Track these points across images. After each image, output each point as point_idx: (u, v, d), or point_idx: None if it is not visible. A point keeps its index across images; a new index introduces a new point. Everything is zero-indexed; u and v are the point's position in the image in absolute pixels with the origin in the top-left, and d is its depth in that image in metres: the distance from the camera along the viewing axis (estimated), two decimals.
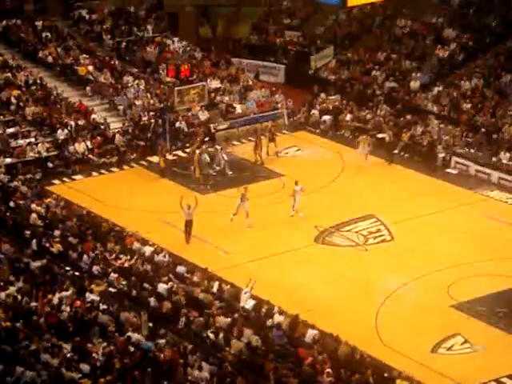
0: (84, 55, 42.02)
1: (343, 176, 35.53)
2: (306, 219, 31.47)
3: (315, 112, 40.83)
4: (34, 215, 30.47)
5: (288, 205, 32.04)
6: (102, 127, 38.34)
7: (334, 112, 40.55)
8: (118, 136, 37.64)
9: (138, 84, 40.84)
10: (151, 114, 39.13)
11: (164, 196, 33.83)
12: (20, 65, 40.86)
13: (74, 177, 35.72)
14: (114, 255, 28.17)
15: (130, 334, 23.69)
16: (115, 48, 43.65)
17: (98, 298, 25.58)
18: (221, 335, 24.15)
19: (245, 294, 26.00)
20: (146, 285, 26.45)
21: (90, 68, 41.31)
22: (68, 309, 24.64)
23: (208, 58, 44.27)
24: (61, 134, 37.15)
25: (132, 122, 38.90)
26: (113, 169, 36.57)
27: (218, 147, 36.72)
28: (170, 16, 48.20)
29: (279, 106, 41.35)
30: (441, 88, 40.81)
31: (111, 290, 26.59)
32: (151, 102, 39.98)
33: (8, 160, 35.49)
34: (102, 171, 36.32)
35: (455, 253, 29.73)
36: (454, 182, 35.04)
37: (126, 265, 27.73)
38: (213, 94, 41.03)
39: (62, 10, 45.49)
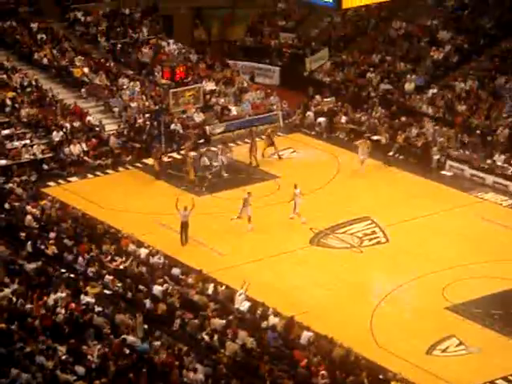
0: (79, 57, 42.01)
1: (338, 178, 35.56)
2: (300, 220, 31.45)
3: (310, 114, 40.87)
4: (29, 217, 30.46)
5: (283, 207, 32.05)
6: (97, 129, 38.33)
7: (329, 114, 40.59)
8: (112, 138, 37.64)
9: (133, 86, 40.84)
10: (146, 116, 39.13)
11: (159, 198, 33.83)
12: (15, 66, 40.84)
13: (69, 179, 35.71)
14: (109, 257, 28.17)
15: (125, 336, 23.68)
16: (110, 50, 43.65)
17: (93, 300, 25.56)
18: (216, 337, 24.16)
19: (239, 295, 26.01)
20: (141, 287, 26.45)
21: (86, 70, 41.29)
22: (63, 311, 24.62)
23: (203, 60, 44.30)
24: (56, 136, 37.13)
25: (127, 124, 38.89)
26: (108, 171, 36.56)
27: (216, 149, 36.75)
28: (164, 18, 48.22)
29: (274, 108, 41.39)
30: (436, 90, 40.87)
31: (106, 292, 26.58)
32: (146, 104, 39.99)
33: (3, 162, 35.46)
34: (97, 173, 36.31)
35: (450, 255, 29.76)
36: (449, 183, 35.09)
37: (121, 267, 27.74)
38: (208, 96, 41.04)
39: (57, 12, 45.49)
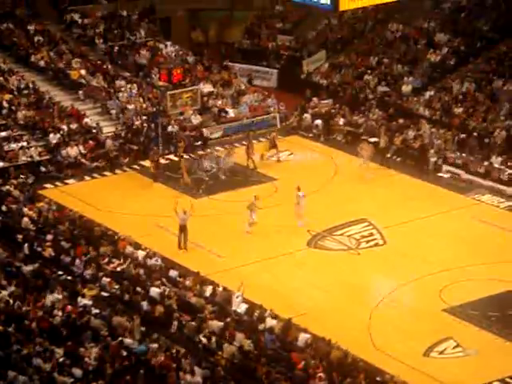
0: (76, 59, 41.99)
1: (335, 180, 35.58)
2: (297, 224, 31.45)
3: (307, 116, 40.89)
4: (26, 219, 30.44)
5: (281, 209, 32.07)
6: (95, 131, 38.32)
7: (326, 116, 40.62)
8: (108, 141, 37.60)
9: (130, 88, 40.84)
10: (144, 118, 39.14)
11: (157, 200, 33.83)
12: (12, 69, 40.82)
13: (66, 181, 35.71)
14: (106, 259, 28.16)
15: (122, 338, 23.67)
16: (108, 52, 43.65)
17: (90, 303, 25.57)
18: (213, 339, 24.15)
19: (237, 298, 26.01)
20: (138, 289, 26.44)
21: (83, 72, 41.28)
22: (60, 313, 24.61)
23: (200, 62, 44.32)
24: (53, 138, 37.12)
25: (125, 126, 38.89)
26: (105, 173, 36.55)
27: (215, 152, 36.77)
28: (162, 20, 48.23)
29: (272, 110, 41.41)
30: (433, 92, 40.91)
31: (103, 294, 26.57)
32: (144, 106, 39.99)
33: (0, 164, 35.44)
34: (95, 175, 36.31)
35: (447, 257, 29.78)
36: (446, 186, 35.11)
37: (119, 269, 27.72)
38: (205, 98, 41.05)
39: (54, 15, 45.48)
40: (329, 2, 29.54)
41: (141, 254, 28.70)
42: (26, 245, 28.84)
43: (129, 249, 28.98)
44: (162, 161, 36.88)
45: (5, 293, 25.43)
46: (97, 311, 25.17)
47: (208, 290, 26.64)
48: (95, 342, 23.58)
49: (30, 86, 39.89)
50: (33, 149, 36.54)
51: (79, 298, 25.70)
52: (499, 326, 25.96)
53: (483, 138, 37.12)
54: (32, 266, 27.32)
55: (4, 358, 22.31)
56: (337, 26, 48.08)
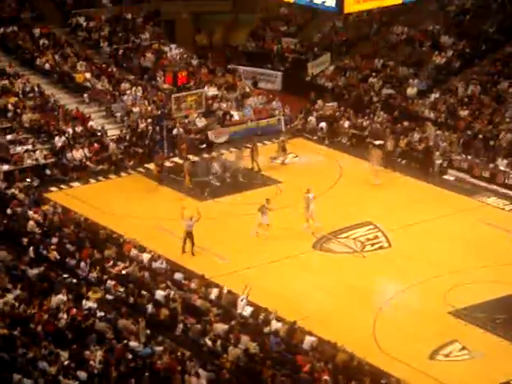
0: (81, 62, 42.05)
1: (340, 183, 35.54)
2: (302, 225, 31.40)
3: (312, 119, 40.88)
4: (31, 222, 30.44)
5: (285, 212, 32.05)
6: (100, 134, 38.35)
7: (331, 119, 40.60)
8: (111, 144, 37.57)
9: (135, 91, 40.88)
10: (149, 121, 39.15)
11: (162, 203, 33.83)
12: (17, 72, 40.86)
13: (71, 184, 35.72)
14: (111, 262, 28.15)
15: (127, 341, 23.66)
16: (113, 55, 43.69)
17: (95, 305, 25.54)
18: (218, 342, 24.13)
19: (242, 300, 25.99)
20: (143, 292, 26.42)
21: (88, 75, 41.33)
22: (65, 316, 24.60)
23: (205, 65, 44.34)
24: (58, 141, 37.16)
25: (129, 129, 38.91)
26: (110, 176, 36.57)
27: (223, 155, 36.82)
28: (166, 23, 48.28)
29: (276, 113, 41.40)
30: (438, 95, 40.88)
31: (108, 297, 26.55)
32: (148, 109, 40.01)
33: (5, 167, 35.48)
34: (100, 178, 36.32)
35: (453, 259, 29.72)
36: (452, 188, 35.06)
37: (124, 272, 27.71)
38: (210, 101, 41.07)
39: (59, 18, 45.54)
40: (334, 5, 29.47)
41: (146, 256, 28.69)
42: (31, 248, 28.83)
43: (134, 252, 28.97)
44: (167, 164, 36.89)
45: (10, 296, 25.42)
46: (102, 314, 25.14)
47: (213, 293, 26.61)
48: (100, 344, 23.55)
49: (36, 89, 39.93)
50: (38, 152, 36.57)
51: (84, 301, 25.68)
52: (505, 329, 25.89)
53: (489, 140, 37.08)
54: (37, 269, 27.31)
55: (10, 362, 22.30)
56: (342, 29, 48.08)
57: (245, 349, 23.76)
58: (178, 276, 27.66)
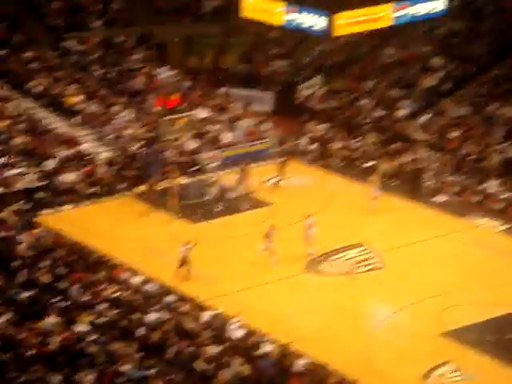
0: (72, 85, 42.07)
1: (332, 204, 35.56)
2: (295, 247, 31.31)
3: (304, 140, 40.96)
4: (22, 246, 30.35)
5: (277, 234, 32.05)
6: (91, 157, 38.33)
7: (322, 140, 40.70)
8: (101, 167, 37.49)
9: (126, 114, 40.91)
10: (140, 143, 39.16)
11: (153, 225, 33.79)
12: (8, 95, 40.86)
13: (62, 207, 35.64)
14: (103, 285, 28.06)
15: (119, 364, 23.55)
16: (104, 78, 43.75)
17: (86, 329, 25.44)
18: (210, 365, 24.03)
19: (234, 323, 25.92)
20: (135, 315, 26.34)
21: (79, 98, 41.35)
22: (57, 339, 24.49)
23: (196, 88, 44.43)
24: (49, 165, 37.11)
25: (121, 152, 38.91)
26: (101, 199, 36.52)
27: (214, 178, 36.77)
28: (158, 46, 48.40)
29: (267, 134, 41.47)
30: (428, 116, 41.03)
31: (100, 320, 26.45)
32: (140, 131, 40.03)
33: None
34: (91, 201, 36.27)
35: (445, 280, 29.74)
36: (443, 209, 35.12)
37: (115, 295, 27.62)
38: (201, 124, 41.12)
39: (50, 41, 45.59)
40: (323, 28, 29.65)
41: (137, 279, 28.61)
42: (22, 271, 28.72)
43: (125, 275, 28.89)
44: (159, 186, 36.86)
45: (1, 320, 25.30)
46: (94, 337, 25.05)
47: (205, 316, 26.54)
48: (92, 368, 23.44)
49: (27, 112, 39.92)
50: (29, 175, 36.51)
51: (75, 325, 25.58)
52: (497, 350, 25.87)
53: (479, 161, 37.20)
54: (28, 293, 27.20)
55: None
56: (332, 51, 48.27)
57: (237, 371, 23.67)
58: (169, 299, 27.59)
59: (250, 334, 25.62)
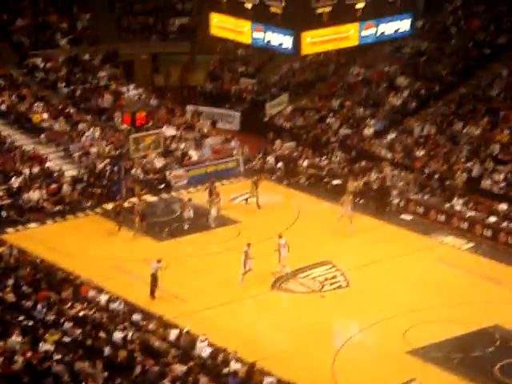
0: (38, 103, 41.89)
1: (299, 222, 35.63)
2: (262, 265, 31.28)
3: (271, 159, 41.06)
4: None
5: (244, 251, 32.05)
6: (57, 175, 38.12)
7: (289, 159, 40.82)
8: (65, 186, 37.24)
9: (93, 131, 40.78)
10: (106, 161, 39.03)
11: (120, 243, 33.65)
12: None
13: (27, 225, 35.40)
14: (68, 304, 27.86)
15: (84, 383, 23.36)
16: (70, 96, 43.61)
17: (52, 348, 25.22)
18: None
19: (201, 342, 25.83)
20: (101, 333, 26.16)
21: (45, 116, 41.19)
22: (21, 359, 24.25)
23: (163, 106, 44.41)
24: (15, 182, 36.86)
25: (87, 170, 38.75)
26: (67, 217, 36.30)
27: (185, 199, 36.51)
28: (124, 64, 48.37)
29: (235, 152, 41.53)
30: (394, 135, 41.31)
31: (65, 339, 26.23)
32: (106, 149, 39.91)
33: None
34: (57, 219, 36.05)
35: (411, 299, 29.85)
36: (409, 227, 35.29)
37: (81, 313, 27.42)
38: (168, 142, 41.10)
39: (16, 59, 45.41)
40: (291, 47, 29.74)
41: (103, 298, 28.45)
42: None
43: (91, 293, 28.72)
44: (126, 204, 36.71)
45: None
46: (59, 357, 24.83)
47: (172, 334, 26.43)
48: None
49: None
50: None
51: (41, 344, 25.35)
52: (462, 368, 25.98)
53: (444, 180, 37.48)
54: None
55: None
56: (299, 70, 48.51)
57: None
58: (136, 317, 27.45)
59: (217, 352, 25.53)
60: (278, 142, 42.32)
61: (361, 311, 29.17)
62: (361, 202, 37.18)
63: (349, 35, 30.28)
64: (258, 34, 30.48)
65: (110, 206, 36.43)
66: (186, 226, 34.84)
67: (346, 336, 27.75)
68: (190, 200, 35.70)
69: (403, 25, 31.19)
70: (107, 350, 25.31)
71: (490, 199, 35.94)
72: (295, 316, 29.00)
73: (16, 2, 47.49)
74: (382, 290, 30.43)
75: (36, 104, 41.79)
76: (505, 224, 34.26)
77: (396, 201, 36.85)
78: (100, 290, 29.02)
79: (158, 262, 29.68)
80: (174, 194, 38.01)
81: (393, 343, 27.25)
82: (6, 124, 40.88)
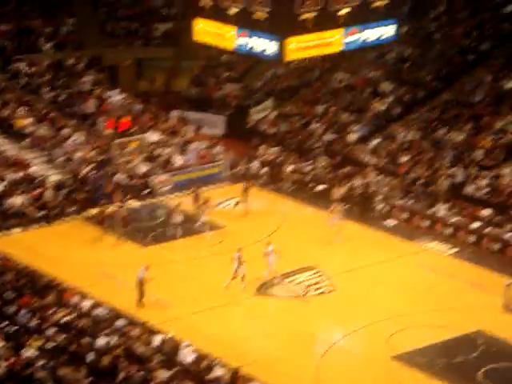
0: (22, 108, 41.73)
1: (283, 227, 35.62)
2: (246, 271, 31.22)
3: (255, 164, 41.06)
4: None
5: (229, 257, 31.99)
6: (40, 180, 37.98)
7: (273, 164, 40.84)
8: (48, 191, 37.07)
9: (77, 137, 40.66)
10: (90, 166, 38.92)
11: (103, 249, 33.55)
12: None
13: (11, 230, 35.24)
14: (52, 309, 27.75)
15: None
16: (54, 101, 43.47)
17: (35, 354, 25.11)
18: None
19: (185, 347, 25.78)
20: (84, 339, 26.06)
21: (29, 121, 41.03)
22: (4, 364, 24.13)
23: (148, 111, 44.35)
24: None
25: (71, 175, 38.62)
26: (51, 222, 36.17)
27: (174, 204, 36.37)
28: (109, 69, 48.26)
29: (219, 158, 41.51)
30: (378, 140, 41.40)
31: (49, 345, 26.12)
32: (90, 154, 39.79)
33: None
34: (40, 224, 35.91)
35: (395, 304, 29.90)
36: (393, 233, 35.36)
37: (65, 319, 27.32)
38: (153, 147, 41.02)
39: (0, 63, 45.22)
40: (275, 52, 29.77)
41: (87, 303, 28.35)
42: None
43: (75, 299, 28.62)
44: (109, 209, 36.60)
45: None
46: (42, 362, 24.73)
47: (156, 340, 26.36)
48: None
49: None
50: None
51: (24, 349, 25.23)
52: (446, 373, 26.04)
53: (428, 185, 37.58)
54: None
55: None
56: (283, 76, 48.55)
57: None
58: (120, 323, 27.36)
59: (201, 358, 25.49)
60: (262, 147, 42.33)
61: (345, 316, 29.19)
62: (345, 207, 37.20)
63: (333, 41, 30.36)
64: (243, 40, 30.51)
65: (94, 211, 36.35)
66: (178, 234, 34.56)
67: (330, 341, 27.76)
68: (179, 205, 35.60)
69: (387, 31, 31.30)
70: (91, 356, 25.23)
71: (473, 205, 36.07)
72: (280, 321, 28.99)
73: None
74: (367, 295, 30.46)
75: (20, 109, 41.62)
76: (488, 229, 34.39)
77: (380, 206, 36.91)
78: (84, 296, 28.91)
79: (146, 268, 29.55)
80: (158, 199, 37.90)
81: (377, 349, 27.27)
82: None
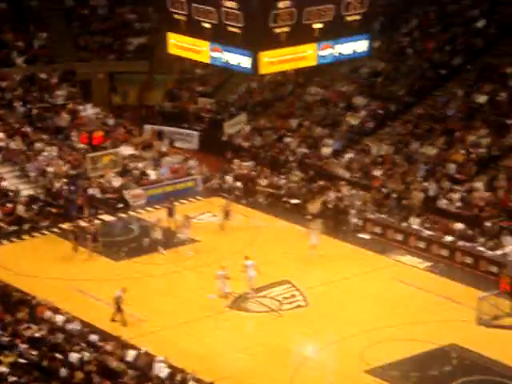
0: None
1: (258, 241, 35.62)
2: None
3: (229, 178, 41.08)
4: None
5: (202, 271, 31.96)
6: (13, 194, 37.77)
7: (247, 178, 40.86)
8: (20, 206, 36.86)
9: (50, 151, 40.49)
10: (63, 180, 38.76)
11: (76, 263, 33.38)
12: None
13: None
14: (24, 325, 27.54)
15: None
16: (27, 115, 43.29)
17: (7, 370, 24.90)
18: None
19: (159, 362, 25.67)
20: (57, 355, 25.89)
21: (1, 135, 40.82)
22: None
23: (121, 125, 44.27)
24: None
25: (44, 189, 38.44)
26: (23, 237, 35.95)
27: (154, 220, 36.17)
28: (82, 83, 48.14)
29: (193, 172, 41.48)
30: (352, 154, 41.55)
31: (21, 360, 25.92)
32: (63, 168, 39.63)
33: None
34: (13, 239, 35.68)
35: (368, 318, 29.94)
36: (367, 246, 35.46)
37: (37, 334, 27.12)
38: (126, 161, 40.94)
39: None
40: (249, 66, 29.80)
41: (60, 318, 28.17)
42: None
43: (47, 314, 28.43)
44: (82, 224, 36.45)
45: None
46: (14, 379, 24.52)
47: (129, 355, 26.23)
48: None
49: None
50: None
51: None
52: None
53: (401, 199, 37.74)
54: None
55: None
56: (257, 90, 48.66)
57: None
58: (93, 338, 27.21)
59: (175, 372, 25.39)
60: (236, 161, 42.37)
61: (319, 330, 29.19)
62: (319, 221, 37.28)
63: (307, 55, 30.40)
64: (217, 54, 30.53)
65: (66, 225, 36.17)
66: (161, 250, 34.32)
67: (304, 355, 27.73)
68: (159, 220, 35.38)
69: (360, 45, 31.38)
70: (64, 372, 25.06)
71: (446, 218, 36.25)
72: (254, 335, 28.95)
73: None
74: (340, 309, 30.49)
75: None
76: (461, 243, 34.55)
77: (353, 220, 37.00)
78: (56, 311, 28.73)
79: (122, 290, 29.36)
80: (131, 213, 37.78)
81: (351, 362, 27.29)
82: None
